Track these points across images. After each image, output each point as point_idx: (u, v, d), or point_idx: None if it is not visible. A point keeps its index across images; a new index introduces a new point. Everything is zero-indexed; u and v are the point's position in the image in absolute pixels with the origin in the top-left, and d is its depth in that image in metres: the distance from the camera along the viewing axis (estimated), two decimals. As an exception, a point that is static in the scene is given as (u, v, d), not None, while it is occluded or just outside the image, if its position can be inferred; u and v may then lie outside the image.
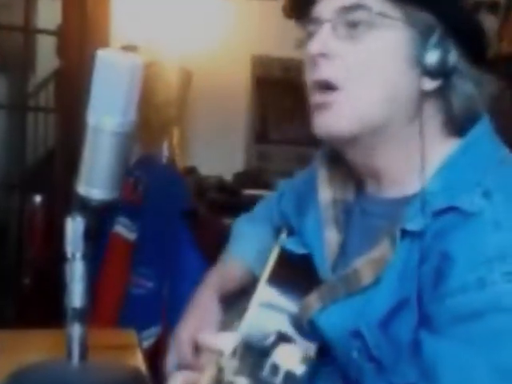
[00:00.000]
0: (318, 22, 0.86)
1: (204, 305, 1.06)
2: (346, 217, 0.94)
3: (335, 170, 0.97)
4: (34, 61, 4.06)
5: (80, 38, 2.77)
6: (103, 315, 2.08)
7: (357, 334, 0.82)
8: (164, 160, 3.13)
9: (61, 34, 2.96)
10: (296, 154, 3.81)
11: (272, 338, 0.84)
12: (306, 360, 0.83)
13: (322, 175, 0.98)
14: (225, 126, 3.76)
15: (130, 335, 1.28)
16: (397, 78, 0.84)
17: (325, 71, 0.84)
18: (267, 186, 3.19)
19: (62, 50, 3.03)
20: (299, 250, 0.97)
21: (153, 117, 2.50)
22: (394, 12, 0.83)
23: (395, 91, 0.84)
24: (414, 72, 0.83)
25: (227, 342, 0.82)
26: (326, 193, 0.96)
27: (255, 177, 3.57)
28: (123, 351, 1.19)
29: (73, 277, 0.76)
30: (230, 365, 0.76)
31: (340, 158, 0.93)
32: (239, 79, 3.80)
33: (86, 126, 0.75)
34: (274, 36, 3.16)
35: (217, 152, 3.66)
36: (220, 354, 0.80)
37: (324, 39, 0.84)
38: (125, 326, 1.78)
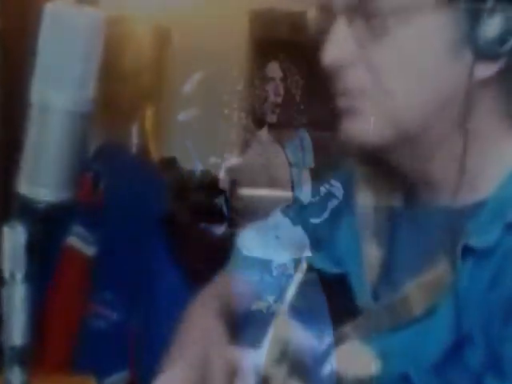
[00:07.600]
0: (330, 11, 0.87)
1: (206, 330, 1.02)
2: (390, 227, 0.95)
3: (377, 169, 0.98)
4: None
5: (22, -14, 2.78)
6: (53, 356, 2.09)
7: (404, 379, 0.83)
8: (133, 149, 3.13)
9: (-4, -20, 2.97)
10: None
11: (328, 340, 0.87)
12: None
13: (361, 174, 0.99)
14: (214, 104, 3.76)
15: (87, 382, 1.28)
16: (440, 73, 0.85)
17: (347, 82, 0.88)
18: (272, 184, 3.20)
19: (-3, 3, 3.03)
20: (331, 268, 0.98)
21: (119, 91, 2.50)
22: None
23: (438, 90, 0.86)
24: (465, 59, 0.84)
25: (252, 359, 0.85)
26: (365, 197, 0.97)
27: (255, 172, 3.57)
28: (79, 404, 1.20)
29: (11, 304, 0.76)
30: (277, 371, 0.81)
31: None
32: (233, 41, 3.81)
33: (30, 104, 0.75)
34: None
35: (204, 139, 3.67)
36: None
37: (340, 44, 0.86)
38: (81, 370, 1.78)
